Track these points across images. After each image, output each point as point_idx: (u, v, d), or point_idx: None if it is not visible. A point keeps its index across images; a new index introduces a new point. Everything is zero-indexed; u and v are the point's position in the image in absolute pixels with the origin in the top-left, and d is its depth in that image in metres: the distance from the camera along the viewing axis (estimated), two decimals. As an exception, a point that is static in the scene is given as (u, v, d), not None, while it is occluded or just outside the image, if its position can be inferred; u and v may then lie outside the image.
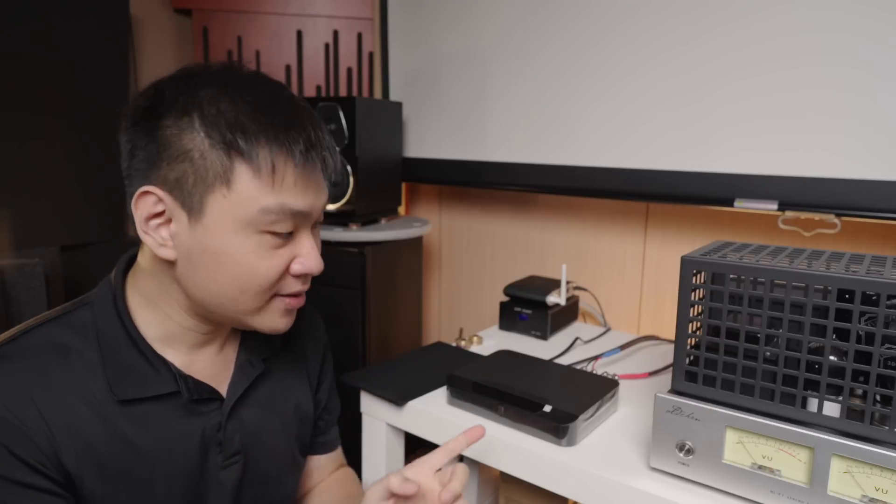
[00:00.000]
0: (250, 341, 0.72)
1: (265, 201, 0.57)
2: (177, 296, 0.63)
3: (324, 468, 0.88)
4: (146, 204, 0.58)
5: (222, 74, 0.59)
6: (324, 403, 0.85)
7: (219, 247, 0.58)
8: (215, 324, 0.66)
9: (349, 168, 1.38)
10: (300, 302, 0.66)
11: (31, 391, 0.56)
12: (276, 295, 0.63)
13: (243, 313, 0.62)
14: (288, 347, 0.78)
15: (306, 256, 0.63)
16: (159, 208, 0.58)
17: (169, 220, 0.59)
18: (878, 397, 0.59)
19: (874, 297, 0.57)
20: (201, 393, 0.65)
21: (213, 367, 0.68)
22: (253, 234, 0.58)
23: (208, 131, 0.56)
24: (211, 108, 0.56)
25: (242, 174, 0.56)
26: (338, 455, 0.91)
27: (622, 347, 1.13)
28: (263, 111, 0.58)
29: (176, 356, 0.65)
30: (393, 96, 1.66)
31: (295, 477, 0.80)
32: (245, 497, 0.71)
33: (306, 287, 0.65)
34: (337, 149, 0.66)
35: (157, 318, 0.63)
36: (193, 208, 0.57)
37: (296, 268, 0.62)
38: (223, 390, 0.68)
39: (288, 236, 0.61)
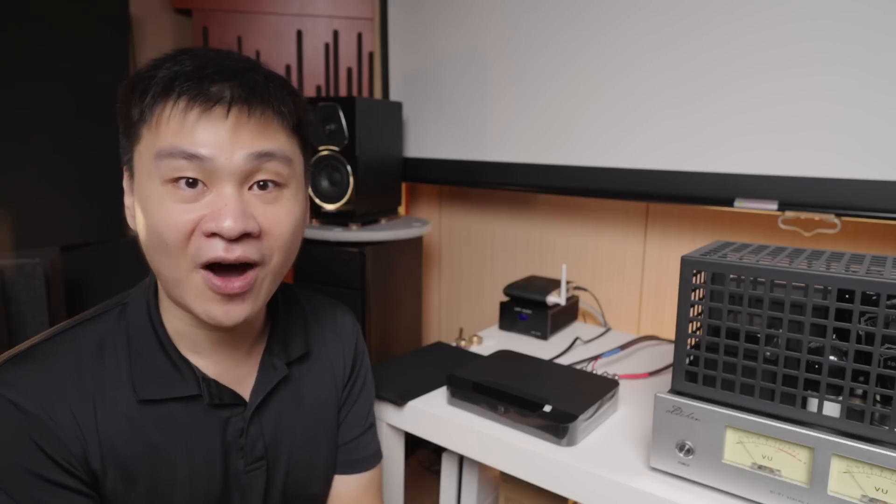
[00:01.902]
0: (274, 345, 0.71)
1: (157, 146, 0.55)
2: (165, 290, 0.62)
3: (343, 492, 0.79)
4: (125, 181, 0.62)
5: (167, 54, 0.59)
6: (348, 411, 0.80)
7: (141, 203, 0.57)
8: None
9: (349, 168, 1.38)
10: (230, 286, 0.56)
11: (65, 389, 0.56)
12: (197, 266, 0.56)
13: (173, 282, 0.57)
14: (314, 350, 0.76)
15: (217, 211, 0.55)
16: (128, 184, 0.61)
17: (132, 192, 0.61)
18: (878, 397, 0.59)
19: (874, 297, 0.57)
20: (223, 398, 0.64)
21: (236, 372, 0.67)
22: (159, 186, 0.55)
23: (136, 102, 0.57)
24: (139, 84, 0.57)
25: (143, 126, 0.56)
26: (368, 483, 0.81)
27: (622, 347, 1.13)
28: (175, 65, 0.56)
29: (200, 360, 0.64)
30: (393, 96, 1.66)
31: (322, 483, 0.77)
32: (269, 503, 0.70)
33: (231, 255, 0.55)
34: (286, 93, 0.60)
35: (175, 320, 0.63)
36: (132, 172, 0.59)
37: (205, 225, 0.55)
38: (246, 395, 0.67)
39: (199, 188, 0.55)
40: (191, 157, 0.54)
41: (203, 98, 0.55)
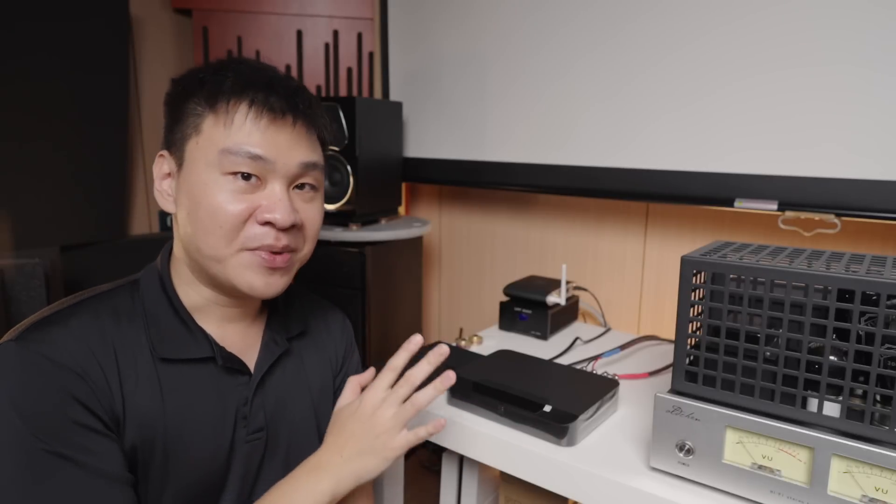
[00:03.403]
0: (274, 322, 0.77)
1: (224, 143, 0.63)
2: (194, 266, 0.68)
3: None
4: (159, 165, 0.69)
5: (223, 62, 0.69)
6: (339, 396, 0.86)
7: (192, 188, 0.65)
8: (230, 294, 0.70)
9: (349, 168, 1.38)
10: (275, 261, 0.67)
11: (92, 348, 0.61)
12: (244, 249, 0.65)
13: (216, 260, 0.65)
14: (310, 334, 0.83)
15: (272, 205, 0.65)
16: (167, 168, 0.68)
17: (171, 175, 0.68)
18: (878, 397, 0.59)
19: (874, 297, 0.57)
20: (233, 362, 0.70)
21: (241, 342, 0.73)
22: (218, 176, 0.64)
23: (199, 99, 0.66)
24: (207, 84, 0.66)
25: (208, 121, 0.64)
26: None
27: (622, 347, 1.13)
28: (242, 75, 0.66)
29: (209, 329, 0.70)
30: (393, 96, 1.66)
31: None
32: (267, 473, 0.73)
33: (279, 244, 0.66)
34: (325, 115, 0.72)
35: (190, 295, 0.70)
36: (180, 159, 0.66)
37: (261, 215, 0.65)
38: (251, 366, 0.72)
39: (253, 182, 0.64)
40: (255, 157, 0.64)
41: (271, 109, 0.64)
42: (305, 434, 0.78)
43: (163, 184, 0.69)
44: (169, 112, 0.68)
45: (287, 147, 0.66)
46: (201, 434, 0.66)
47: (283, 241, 0.66)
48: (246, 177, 0.64)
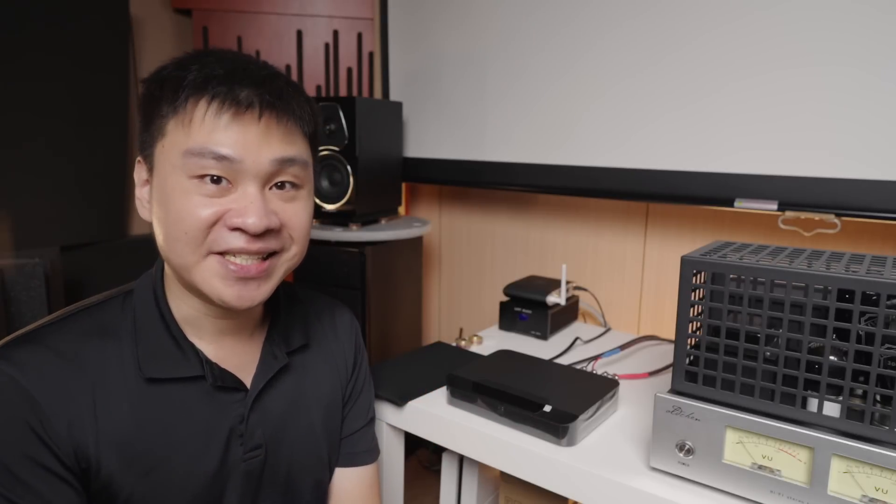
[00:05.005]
0: (275, 335, 0.73)
1: (186, 144, 0.58)
2: (178, 277, 0.65)
3: (346, 488, 0.81)
4: (138, 172, 0.65)
5: (191, 55, 0.63)
6: (352, 405, 0.83)
7: (161, 195, 0.61)
8: (219, 305, 0.65)
9: (349, 168, 1.38)
10: (248, 270, 0.61)
11: (67, 372, 0.59)
12: (211, 252, 0.60)
13: (184, 268, 0.61)
14: (316, 344, 0.79)
15: (242, 209, 0.59)
16: (144, 175, 0.64)
17: (147, 183, 0.64)
18: (878, 397, 0.59)
19: (874, 297, 0.57)
20: (225, 381, 0.66)
21: (238, 358, 0.70)
22: (185, 180, 0.59)
23: (161, 100, 0.61)
24: (167, 83, 0.61)
25: (171, 123, 0.60)
26: (370, 480, 0.83)
27: (622, 347, 1.13)
28: (205, 68, 0.60)
29: (203, 345, 0.67)
30: (393, 96, 1.66)
31: (321, 476, 0.78)
32: (267, 492, 0.71)
33: (251, 247, 0.60)
34: (307, 105, 0.65)
35: (182, 308, 0.66)
36: (151, 165, 0.62)
37: (230, 220, 0.59)
38: (248, 383, 0.69)
39: (224, 185, 0.59)
40: (220, 157, 0.58)
41: (235, 102, 0.58)
42: (308, 450, 0.75)
43: (142, 191, 0.65)
44: (141, 115, 0.63)
45: (256, 143, 0.59)
46: (188, 455, 0.63)
47: (258, 244, 0.61)
48: (215, 180, 0.59)
